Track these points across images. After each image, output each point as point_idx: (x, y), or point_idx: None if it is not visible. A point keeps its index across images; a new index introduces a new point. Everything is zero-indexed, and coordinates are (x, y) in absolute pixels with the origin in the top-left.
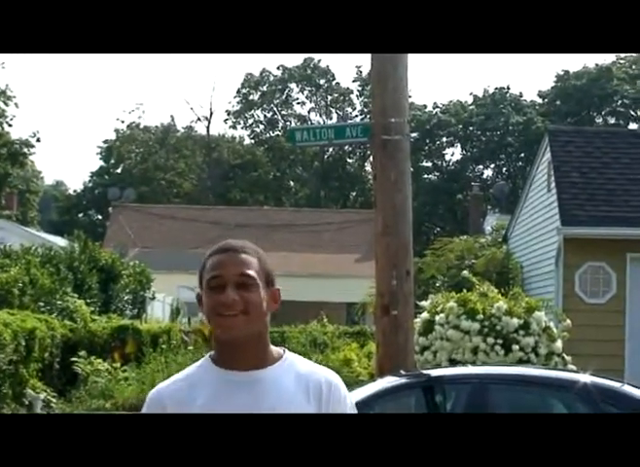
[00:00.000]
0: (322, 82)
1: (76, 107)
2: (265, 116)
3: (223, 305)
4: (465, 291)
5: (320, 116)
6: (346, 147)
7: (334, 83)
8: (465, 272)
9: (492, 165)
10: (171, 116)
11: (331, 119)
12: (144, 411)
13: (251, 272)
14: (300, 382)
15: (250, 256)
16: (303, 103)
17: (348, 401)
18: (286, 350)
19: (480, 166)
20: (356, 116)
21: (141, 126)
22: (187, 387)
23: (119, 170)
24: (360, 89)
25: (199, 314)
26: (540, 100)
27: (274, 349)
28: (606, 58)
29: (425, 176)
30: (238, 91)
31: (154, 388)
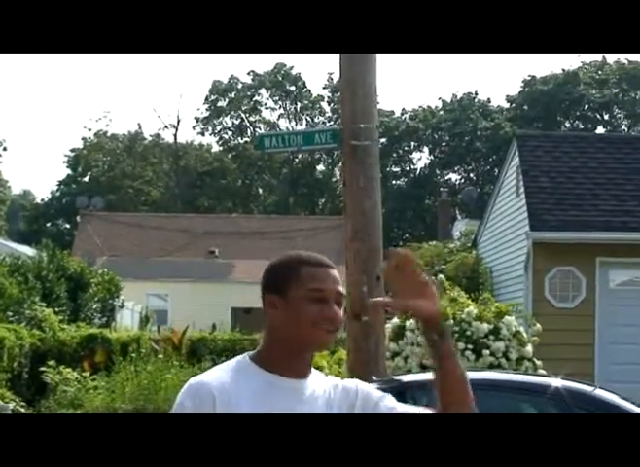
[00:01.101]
0: (292, 88)
1: (42, 115)
2: (233, 123)
3: (328, 319)
4: None
5: (289, 122)
6: (316, 153)
7: (304, 90)
8: (441, 276)
9: (460, 171)
10: (138, 124)
11: (301, 125)
12: (190, 400)
13: (344, 292)
14: (329, 393)
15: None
16: (273, 109)
17: (375, 390)
18: None
19: (448, 172)
20: (324, 122)
21: (108, 135)
22: (231, 386)
23: (86, 179)
24: (330, 95)
25: (168, 322)
26: (507, 105)
27: None
28: (572, 63)
29: (393, 182)
30: (206, 98)
31: (194, 379)
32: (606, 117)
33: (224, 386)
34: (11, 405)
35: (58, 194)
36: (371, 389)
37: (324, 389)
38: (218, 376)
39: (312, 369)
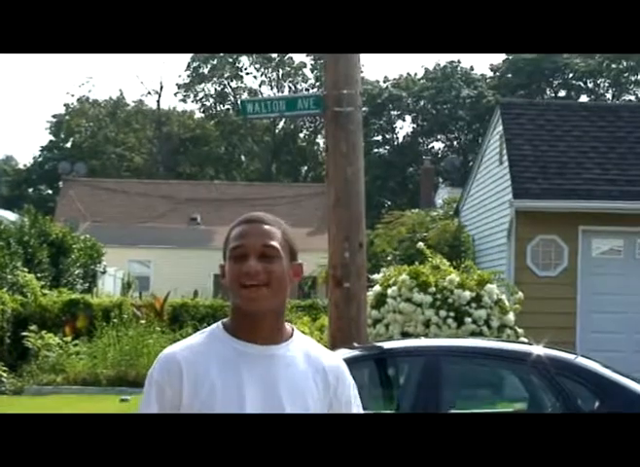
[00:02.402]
0: (274, 55)
1: (25, 81)
2: (215, 89)
3: (245, 274)
4: (417, 264)
5: (272, 89)
6: (299, 121)
7: (286, 57)
8: (420, 244)
9: (443, 139)
10: (120, 90)
11: (283, 93)
12: (157, 372)
13: (274, 243)
14: (310, 364)
15: (274, 227)
16: (255, 76)
17: (353, 391)
18: (294, 327)
19: (432, 140)
20: (307, 90)
21: (91, 100)
22: (201, 354)
23: (69, 145)
24: (313, 63)
25: (150, 288)
26: (491, 73)
27: (286, 325)
28: None
29: (376, 150)
30: (188, 65)
31: (166, 350)
32: (590, 85)
33: (194, 356)
34: None
35: (41, 159)
36: (350, 381)
37: (304, 358)
38: (190, 345)
39: (295, 333)
